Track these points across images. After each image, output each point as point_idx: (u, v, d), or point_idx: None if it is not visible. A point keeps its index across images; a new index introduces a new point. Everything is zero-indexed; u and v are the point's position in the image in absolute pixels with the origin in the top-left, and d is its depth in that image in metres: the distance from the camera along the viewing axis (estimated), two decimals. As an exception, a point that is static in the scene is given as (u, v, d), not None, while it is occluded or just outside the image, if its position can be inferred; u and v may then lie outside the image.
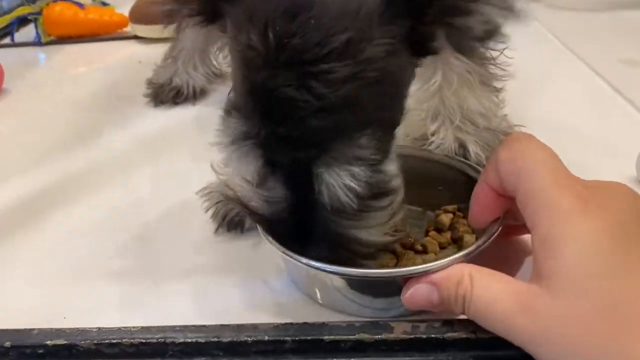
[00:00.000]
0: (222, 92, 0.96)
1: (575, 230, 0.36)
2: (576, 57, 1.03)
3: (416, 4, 0.40)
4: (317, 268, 0.42)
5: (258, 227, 0.47)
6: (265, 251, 0.54)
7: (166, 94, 0.95)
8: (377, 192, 0.43)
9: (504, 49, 0.76)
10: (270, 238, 0.45)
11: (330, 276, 0.44)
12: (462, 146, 0.66)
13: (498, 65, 0.71)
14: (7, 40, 1.37)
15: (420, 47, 0.43)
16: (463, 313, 0.40)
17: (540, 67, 0.98)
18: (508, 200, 0.45)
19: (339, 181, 0.39)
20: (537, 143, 0.42)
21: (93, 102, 1.00)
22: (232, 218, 0.58)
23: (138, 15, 1.27)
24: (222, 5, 0.43)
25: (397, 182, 0.45)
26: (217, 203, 0.60)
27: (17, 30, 1.40)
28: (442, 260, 0.41)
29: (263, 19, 0.37)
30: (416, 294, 0.41)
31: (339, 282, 0.44)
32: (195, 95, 0.96)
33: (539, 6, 1.34)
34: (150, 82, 0.98)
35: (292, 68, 0.36)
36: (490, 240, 0.44)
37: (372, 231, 0.44)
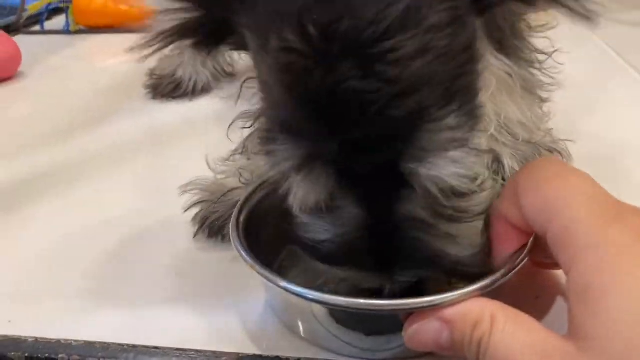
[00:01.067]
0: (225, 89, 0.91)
1: (623, 279, 0.27)
2: (636, 72, 0.93)
3: None
4: (297, 294, 0.34)
5: (232, 241, 0.39)
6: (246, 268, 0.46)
7: (165, 86, 0.90)
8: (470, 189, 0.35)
9: (552, 52, 0.67)
10: (245, 255, 0.37)
11: (313, 306, 0.35)
12: (496, 159, 0.56)
13: (545, 70, 0.62)
14: (37, 27, 1.36)
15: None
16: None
17: (595, 80, 0.88)
18: (529, 235, 0.36)
19: (440, 172, 0.32)
20: (567, 166, 0.34)
21: (103, 93, 0.95)
22: (213, 222, 0.52)
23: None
24: (232, 18, 0.36)
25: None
26: (198, 203, 0.54)
27: (50, 18, 1.39)
28: (455, 292, 0.32)
29: (294, 13, 0.30)
30: (422, 332, 0.33)
31: (323, 313, 0.35)
32: (194, 92, 0.90)
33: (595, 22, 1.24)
34: (152, 73, 0.92)
35: (350, 56, 0.29)
36: (511, 273, 0.35)
37: (467, 245, 0.36)
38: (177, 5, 0.37)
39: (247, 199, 0.45)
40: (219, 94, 0.90)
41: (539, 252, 0.37)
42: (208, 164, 0.56)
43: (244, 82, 0.58)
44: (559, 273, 0.42)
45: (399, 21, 0.29)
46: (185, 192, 0.55)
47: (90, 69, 1.13)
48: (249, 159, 0.56)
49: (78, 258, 0.51)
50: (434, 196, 0.33)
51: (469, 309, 0.32)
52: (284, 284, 0.35)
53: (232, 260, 0.47)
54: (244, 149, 0.57)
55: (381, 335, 0.36)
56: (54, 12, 1.39)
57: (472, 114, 0.33)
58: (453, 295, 0.32)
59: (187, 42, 0.39)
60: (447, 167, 0.31)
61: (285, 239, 0.40)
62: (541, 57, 0.63)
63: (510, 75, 0.59)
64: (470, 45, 0.34)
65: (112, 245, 0.52)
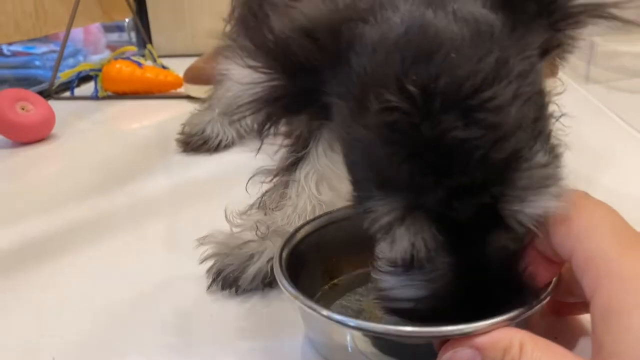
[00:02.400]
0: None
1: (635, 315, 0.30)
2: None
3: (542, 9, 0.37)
4: (337, 321, 0.37)
5: (276, 275, 0.42)
6: (262, 319, 0.49)
7: (194, 142, 0.96)
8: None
9: (560, 115, 0.72)
10: (289, 288, 0.40)
11: (354, 335, 0.38)
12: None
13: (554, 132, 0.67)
14: (67, 93, 1.43)
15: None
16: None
17: (601, 143, 0.92)
18: (561, 266, 0.39)
19: (544, 207, 0.34)
20: (594, 199, 0.37)
21: (127, 153, 1.01)
22: (228, 274, 0.53)
23: (192, 76, 1.30)
24: (320, 87, 0.38)
25: None
26: (214, 255, 0.56)
27: (79, 85, 1.46)
28: (487, 322, 0.35)
29: (392, 76, 0.33)
30: (456, 358, 0.35)
31: (363, 342, 0.38)
32: (218, 147, 0.97)
33: (599, 87, 1.29)
34: (183, 130, 0.99)
35: (451, 109, 0.32)
36: (539, 305, 0.37)
37: None
38: (264, 77, 0.38)
39: (288, 239, 0.48)
40: (243, 149, 0.96)
41: (564, 291, 0.40)
42: (226, 216, 0.58)
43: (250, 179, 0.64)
44: (581, 318, 0.45)
45: (492, 73, 0.32)
46: (201, 244, 0.57)
47: (116, 132, 1.20)
48: (265, 214, 0.59)
49: (104, 305, 0.53)
50: (531, 232, 0.35)
51: (499, 337, 0.34)
52: (326, 312, 0.37)
53: (247, 313, 0.50)
54: (261, 204, 0.61)
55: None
56: (84, 79, 1.47)
57: (554, 152, 0.36)
58: (485, 324, 0.34)
59: (269, 111, 0.41)
60: (549, 202, 0.34)
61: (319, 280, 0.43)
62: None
63: None
64: (543, 90, 0.37)
65: (129, 296, 0.54)
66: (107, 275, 0.59)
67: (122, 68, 1.38)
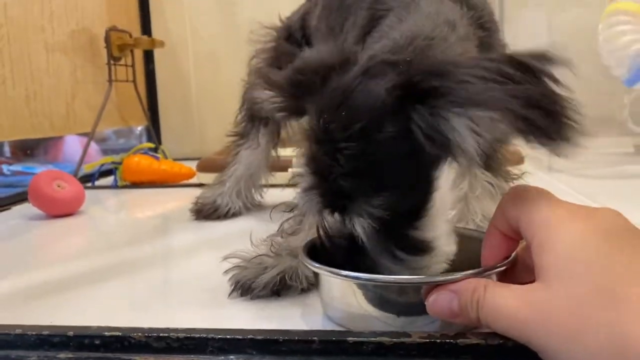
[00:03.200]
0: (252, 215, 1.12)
1: (564, 232, 0.42)
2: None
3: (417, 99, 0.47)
4: (346, 277, 0.50)
5: (301, 255, 0.55)
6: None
7: (205, 210, 1.10)
8: (410, 244, 0.52)
9: (522, 173, 0.87)
10: (307, 260, 0.53)
11: (356, 292, 0.50)
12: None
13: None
14: (88, 183, 1.58)
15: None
16: (478, 320, 0.44)
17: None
18: (515, 242, 0.51)
19: (360, 225, 0.50)
20: (534, 186, 0.50)
21: (151, 222, 1.15)
22: (244, 283, 0.64)
23: (205, 165, 1.46)
24: (305, 100, 0.54)
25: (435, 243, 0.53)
26: (234, 268, 0.66)
27: (98, 179, 1.61)
28: (461, 273, 0.47)
29: (319, 110, 0.51)
30: (439, 299, 0.47)
31: (362, 297, 0.50)
32: (227, 215, 1.11)
33: (563, 175, 1.45)
34: (197, 200, 1.14)
35: (329, 144, 0.49)
36: (501, 265, 0.50)
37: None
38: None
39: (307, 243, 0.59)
40: (249, 217, 1.11)
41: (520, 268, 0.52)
42: (251, 241, 0.70)
43: (273, 209, 0.79)
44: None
45: (355, 134, 0.48)
46: (225, 259, 0.69)
47: (136, 209, 1.34)
48: (282, 237, 0.71)
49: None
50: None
51: (469, 282, 0.46)
52: (333, 269, 0.51)
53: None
54: (280, 230, 0.73)
55: (407, 316, 0.49)
56: (104, 173, 1.62)
57: (402, 205, 0.50)
58: (460, 275, 0.47)
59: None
60: (362, 226, 0.50)
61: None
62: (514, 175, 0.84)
63: (492, 185, 0.78)
64: (410, 163, 0.49)
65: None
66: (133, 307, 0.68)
67: (141, 161, 1.54)
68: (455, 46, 0.59)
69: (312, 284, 0.64)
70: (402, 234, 0.51)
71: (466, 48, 0.62)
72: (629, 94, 1.43)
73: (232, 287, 0.65)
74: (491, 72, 0.43)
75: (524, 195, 0.48)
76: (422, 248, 0.52)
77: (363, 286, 0.50)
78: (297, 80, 0.55)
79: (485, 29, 0.69)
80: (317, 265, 0.52)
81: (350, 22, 0.77)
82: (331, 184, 0.49)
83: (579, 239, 0.41)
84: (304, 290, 0.64)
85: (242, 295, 0.64)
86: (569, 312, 0.39)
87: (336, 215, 0.52)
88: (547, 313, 0.40)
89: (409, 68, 0.48)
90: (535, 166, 1.49)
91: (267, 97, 0.56)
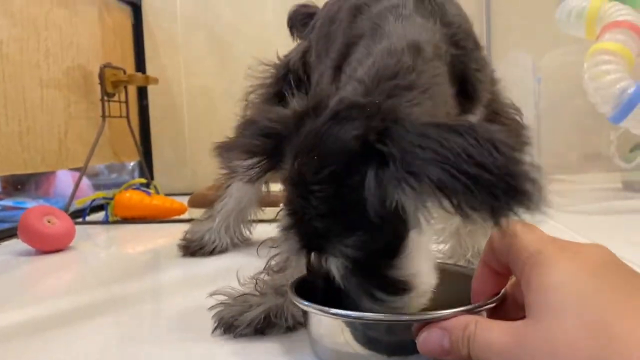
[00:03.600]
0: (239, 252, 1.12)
1: (553, 268, 0.42)
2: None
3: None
4: (335, 314, 0.49)
5: (289, 293, 0.55)
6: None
7: (192, 247, 1.10)
8: (388, 284, 0.51)
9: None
10: (295, 297, 0.53)
11: (344, 330, 0.49)
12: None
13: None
14: (79, 219, 1.57)
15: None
16: (469, 357, 0.44)
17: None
18: (505, 278, 0.52)
19: (335, 265, 0.50)
20: (522, 222, 0.51)
21: (141, 257, 1.15)
22: (228, 320, 0.63)
23: (196, 200, 1.47)
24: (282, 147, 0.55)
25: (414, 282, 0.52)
26: (219, 305, 0.65)
27: (89, 214, 1.60)
28: (451, 310, 0.47)
29: (294, 153, 0.52)
30: (430, 337, 0.46)
31: (351, 336, 0.49)
32: (213, 252, 1.10)
33: (555, 211, 1.47)
34: (185, 236, 1.13)
35: (302, 186, 0.50)
36: (491, 301, 0.50)
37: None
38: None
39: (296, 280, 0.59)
40: (235, 254, 1.11)
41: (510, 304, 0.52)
42: (238, 279, 0.70)
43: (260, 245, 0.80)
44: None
45: (325, 178, 0.48)
46: (211, 295, 0.68)
47: (126, 245, 1.33)
48: (268, 274, 0.70)
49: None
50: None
51: (460, 319, 0.46)
52: (331, 310, 0.49)
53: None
54: (266, 267, 0.72)
55: (399, 355, 0.49)
56: (95, 209, 1.62)
57: (375, 245, 0.49)
58: (450, 312, 0.47)
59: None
60: (337, 266, 0.50)
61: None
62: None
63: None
64: (380, 206, 0.47)
65: None
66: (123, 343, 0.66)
67: (133, 196, 1.54)
68: (422, 76, 0.59)
69: (299, 323, 0.63)
70: (379, 274, 0.51)
71: (433, 74, 0.62)
72: (615, 130, 1.45)
73: (216, 324, 0.64)
74: (441, 140, 0.44)
75: (512, 230, 0.48)
76: (401, 287, 0.51)
77: (352, 324, 0.50)
78: (273, 129, 0.56)
79: (460, 47, 0.69)
80: (305, 302, 0.52)
81: (331, 49, 0.79)
82: (306, 225, 0.49)
83: (568, 275, 0.42)
84: (290, 329, 0.63)
85: (225, 332, 0.63)
86: (560, 348, 0.39)
87: (313, 255, 0.52)
88: (538, 349, 0.40)
89: (370, 119, 0.49)
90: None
91: (246, 166, 0.57)
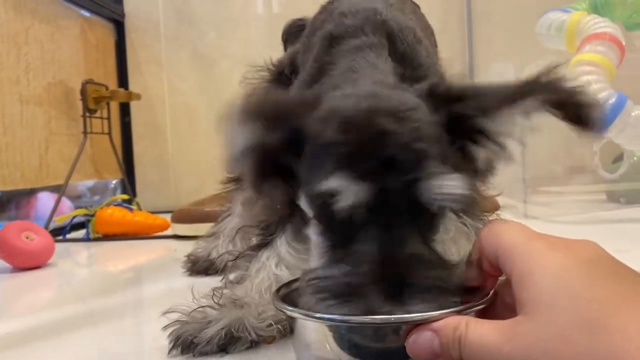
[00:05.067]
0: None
1: (545, 263, 0.41)
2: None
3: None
4: (320, 319, 0.47)
5: (273, 299, 0.52)
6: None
7: (199, 264, 1.04)
8: None
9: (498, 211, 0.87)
10: (279, 303, 0.50)
11: (328, 338, 0.47)
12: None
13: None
14: (60, 237, 1.53)
15: None
16: (460, 359, 0.42)
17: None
18: (494, 279, 0.50)
19: (448, 185, 0.48)
20: (507, 220, 0.50)
21: (123, 274, 1.11)
22: (186, 338, 0.59)
23: (180, 216, 1.44)
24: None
25: None
26: (175, 322, 0.61)
27: (70, 232, 1.57)
28: (441, 311, 0.45)
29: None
30: (419, 339, 0.44)
31: (336, 344, 0.47)
32: (224, 269, 1.03)
33: (537, 222, 1.47)
34: (189, 255, 1.08)
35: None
36: (481, 302, 0.48)
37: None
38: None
39: (285, 284, 0.57)
40: None
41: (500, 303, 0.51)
42: (193, 293, 0.65)
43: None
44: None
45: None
46: (164, 314, 0.63)
47: (108, 262, 1.30)
48: (226, 287, 0.67)
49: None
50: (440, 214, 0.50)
51: (450, 320, 0.44)
52: (319, 315, 0.46)
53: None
54: (224, 280, 0.69)
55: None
56: (75, 227, 1.59)
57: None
58: (439, 312, 0.45)
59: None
60: (456, 185, 0.48)
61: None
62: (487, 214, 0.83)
63: (466, 225, 0.78)
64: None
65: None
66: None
67: (115, 213, 1.52)
68: None
69: (262, 336, 0.60)
70: None
71: None
72: (598, 141, 1.46)
73: (172, 343, 0.59)
74: None
75: (501, 229, 0.47)
76: None
77: (337, 331, 0.47)
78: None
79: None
80: (289, 307, 0.49)
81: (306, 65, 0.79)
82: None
83: (561, 270, 0.41)
84: (254, 344, 0.59)
85: (183, 352, 0.58)
86: (554, 345, 0.38)
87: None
88: (531, 347, 0.39)
89: None
90: (511, 214, 1.50)
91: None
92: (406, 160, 0.48)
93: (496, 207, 1.43)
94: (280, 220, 0.71)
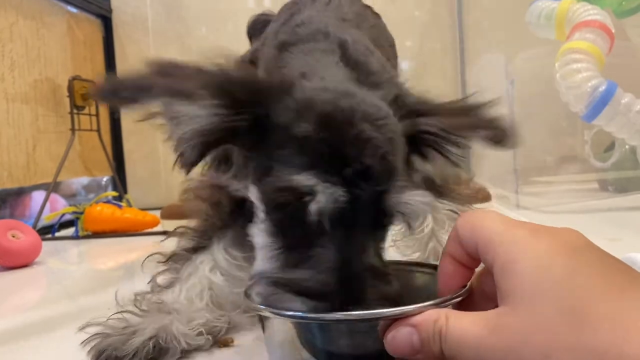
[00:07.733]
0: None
1: (528, 251, 0.40)
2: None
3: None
4: (292, 316, 0.45)
5: (247, 299, 0.49)
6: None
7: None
8: None
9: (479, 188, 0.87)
10: (251, 302, 0.48)
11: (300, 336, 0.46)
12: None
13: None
14: (48, 235, 1.52)
15: None
16: (441, 353, 0.41)
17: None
18: (471, 271, 0.49)
19: (415, 200, 0.50)
20: (486, 209, 0.49)
21: (111, 272, 1.09)
22: (110, 354, 0.53)
23: (169, 213, 1.43)
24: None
25: None
26: (95, 336, 0.56)
27: (59, 230, 1.56)
28: (418, 305, 0.44)
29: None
30: (398, 335, 0.43)
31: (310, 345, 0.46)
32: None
33: (529, 212, 1.47)
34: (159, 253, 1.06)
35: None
36: (458, 294, 0.47)
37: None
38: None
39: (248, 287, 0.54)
40: None
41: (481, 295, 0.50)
42: (117, 300, 0.62)
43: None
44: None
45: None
46: (81, 330, 0.60)
47: (97, 260, 1.29)
48: (152, 291, 0.64)
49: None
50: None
51: (429, 313, 0.43)
52: (285, 312, 0.45)
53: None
54: (152, 284, 0.66)
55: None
56: (64, 225, 1.57)
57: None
58: (417, 306, 0.43)
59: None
60: (422, 200, 0.49)
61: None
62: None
63: (456, 212, 0.77)
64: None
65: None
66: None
67: (104, 209, 1.50)
68: None
69: (193, 345, 0.56)
70: None
71: None
72: (589, 130, 1.46)
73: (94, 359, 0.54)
74: None
75: (479, 218, 0.46)
76: None
77: (310, 331, 0.46)
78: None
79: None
80: (261, 306, 0.47)
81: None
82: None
83: (544, 258, 0.39)
84: (185, 353, 0.55)
85: None
86: (539, 335, 0.37)
87: None
88: (513, 337, 0.38)
89: None
90: (502, 204, 1.50)
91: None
92: (381, 171, 0.48)
93: (486, 197, 1.43)
94: (220, 224, 0.68)
